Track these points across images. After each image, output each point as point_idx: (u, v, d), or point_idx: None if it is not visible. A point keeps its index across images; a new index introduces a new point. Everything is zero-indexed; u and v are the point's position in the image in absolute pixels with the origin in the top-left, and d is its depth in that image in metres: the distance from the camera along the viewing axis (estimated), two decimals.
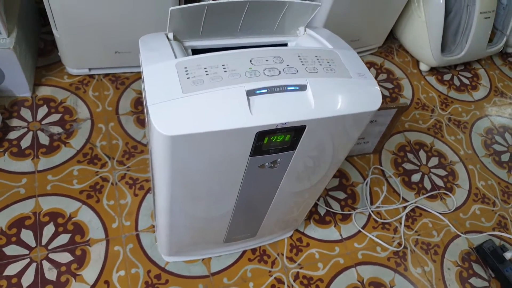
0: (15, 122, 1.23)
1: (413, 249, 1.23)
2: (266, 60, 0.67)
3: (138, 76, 1.41)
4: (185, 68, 0.65)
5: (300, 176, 0.84)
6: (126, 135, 1.27)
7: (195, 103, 0.62)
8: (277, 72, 0.66)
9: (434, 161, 1.45)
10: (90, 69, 1.36)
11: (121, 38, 1.27)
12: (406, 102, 1.60)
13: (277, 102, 0.64)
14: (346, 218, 1.25)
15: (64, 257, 1.03)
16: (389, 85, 1.64)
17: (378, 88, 0.72)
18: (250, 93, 0.63)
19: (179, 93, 0.62)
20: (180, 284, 1.05)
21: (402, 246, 1.23)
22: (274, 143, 0.69)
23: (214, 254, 1.11)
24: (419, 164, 1.43)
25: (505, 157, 1.53)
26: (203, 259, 1.10)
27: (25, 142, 1.20)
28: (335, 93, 0.68)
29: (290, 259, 1.14)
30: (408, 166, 1.42)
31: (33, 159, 1.17)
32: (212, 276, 1.08)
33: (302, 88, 0.66)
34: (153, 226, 1.12)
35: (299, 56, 0.70)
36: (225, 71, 0.65)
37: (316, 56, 0.71)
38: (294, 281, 1.11)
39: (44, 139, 1.21)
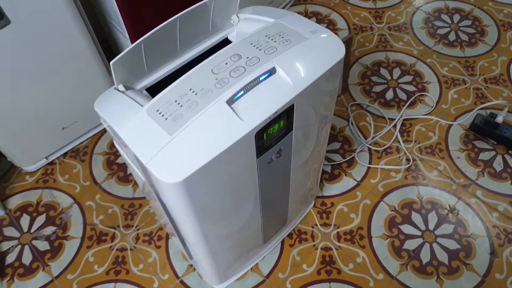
0: (4, 246, 1.16)
1: (421, 158, 1.28)
2: (226, 63, 0.66)
3: (96, 139, 1.36)
4: (157, 110, 0.63)
5: (304, 149, 0.84)
6: (118, 199, 1.23)
7: (187, 138, 0.60)
8: (242, 70, 0.65)
9: (396, 72, 1.49)
10: (47, 157, 1.29)
11: (62, 114, 1.21)
12: (346, 34, 1.63)
13: (258, 97, 0.63)
14: (351, 163, 1.28)
15: None
16: (323, 25, 1.65)
17: (334, 35, 0.72)
18: (230, 102, 0.62)
19: (167, 137, 0.60)
20: None
21: (411, 160, 1.27)
22: (273, 135, 0.68)
23: (258, 259, 1.11)
24: (385, 81, 1.47)
25: (451, 36, 1.59)
26: (251, 269, 1.10)
27: (26, 258, 1.13)
28: (303, 60, 0.68)
29: (325, 225, 1.16)
30: (377, 88, 1.45)
31: (44, 270, 1.11)
32: (268, 278, 1.08)
33: (272, 71, 0.65)
34: (191, 266, 1.10)
35: (251, 43, 0.69)
36: (195, 94, 0.63)
37: (266, 36, 0.70)
38: (339, 241, 1.13)
39: (43, 245, 1.15)
